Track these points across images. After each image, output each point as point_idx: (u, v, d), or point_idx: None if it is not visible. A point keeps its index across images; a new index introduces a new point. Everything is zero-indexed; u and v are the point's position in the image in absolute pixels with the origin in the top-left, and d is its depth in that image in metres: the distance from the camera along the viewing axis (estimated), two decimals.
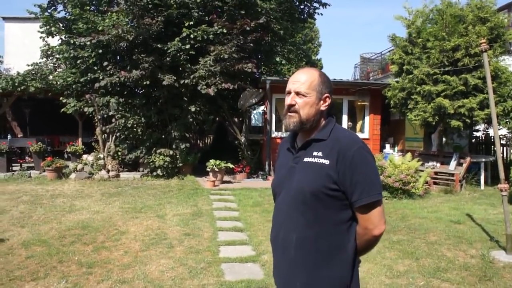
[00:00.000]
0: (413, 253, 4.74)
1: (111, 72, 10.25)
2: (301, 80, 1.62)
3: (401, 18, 9.72)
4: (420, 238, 5.35)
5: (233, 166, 10.74)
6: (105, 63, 10.37)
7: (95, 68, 10.89)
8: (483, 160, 9.62)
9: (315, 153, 1.58)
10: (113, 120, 10.93)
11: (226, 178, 10.54)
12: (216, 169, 9.91)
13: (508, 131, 9.49)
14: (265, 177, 11.10)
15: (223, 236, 5.39)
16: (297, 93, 1.62)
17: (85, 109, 11.23)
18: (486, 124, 9.97)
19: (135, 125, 10.66)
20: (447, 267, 4.31)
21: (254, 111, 14.75)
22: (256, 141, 12.69)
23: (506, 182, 4.90)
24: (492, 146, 11.18)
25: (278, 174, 1.78)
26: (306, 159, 1.60)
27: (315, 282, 1.54)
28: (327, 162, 1.54)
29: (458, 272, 4.16)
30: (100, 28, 9.97)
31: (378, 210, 1.52)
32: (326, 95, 1.65)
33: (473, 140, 11.68)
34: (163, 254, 4.59)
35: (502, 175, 4.85)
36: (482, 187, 9.30)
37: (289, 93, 1.65)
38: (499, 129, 10.10)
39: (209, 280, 3.88)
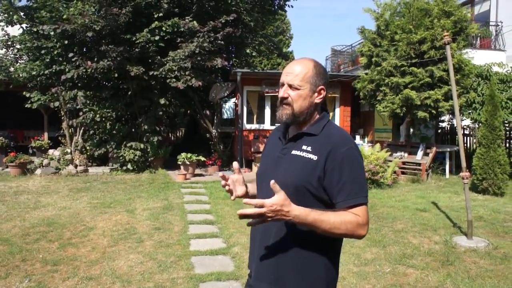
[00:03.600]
0: (380, 241, 4.86)
1: (78, 64, 9.91)
2: (295, 72, 1.56)
3: (370, 10, 9.86)
4: (388, 226, 5.49)
5: (205, 159, 10.68)
6: (71, 54, 10.01)
7: (61, 59, 10.49)
8: (448, 150, 9.95)
9: (304, 147, 1.53)
10: (81, 113, 10.61)
11: (197, 171, 10.46)
12: (188, 162, 9.82)
13: (471, 121, 9.86)
14: None
15: (194, 229, 5.35)
16: (290, 86, 1.56)
17: (51, 103, 10.83)
18: (451, 115, 10.32)
19: (103, 119, 10.39)
20: (413, 253, 4.45)
21: (226, 104, 14.68)
22: (228, 134, 12.64)
23: (467, 170, 5.08)
24: (456, 136, 11.59)
25: (263, 163, 1.72)
26: (294, 152, 1.55)
27: (289, 277, 1.52)
28: (315, 157, 1.49)
29: (423, 258, 4.31)
30: (65, 17, 9.58)
31: (366, 211, 1.47)
32: (320, 87, 1.58)
33: (439, 131, 12.07)
34: (132, 249, 4.51)
35: (463, 164, 5.02)
36: (447, 176, 9.64)
37: (282, 85, 1.59)
38: (463, 120, 10.52)
39: (179, 273, 3.84)
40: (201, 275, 3.79)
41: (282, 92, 1.58)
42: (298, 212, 1.39)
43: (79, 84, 10.47)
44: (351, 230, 1.44)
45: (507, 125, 9.21)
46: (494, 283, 3.69)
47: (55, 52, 10.40)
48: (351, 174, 1.47)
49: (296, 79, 1.55)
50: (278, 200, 1.37)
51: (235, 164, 1.62)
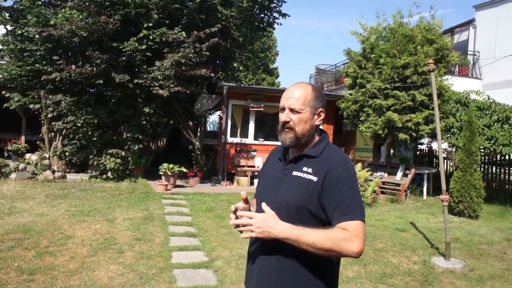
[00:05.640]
0: (361, 259, 4.91)
1: (61, 67, 9.77)
2: (295, 96, 1.62)
3: (356, 34, 10.13)
4: (368, 245, 5.56)
5: (187, 171, 10.60)
6: (56, 57, 9.87)
7: (44, 62, 10.33)
8: (426, 171, 10.20)
9: (305, 169, 1.59)
10: (62, 118, 10.41)
11: (179, 182, 10.37)
12: (169, 173, 9.73)
13: (449, 145, 10.16)
14: (218, 182, 11.05)
15: (176, 242, 5.29)
16: (291, 110, 1.61)
17: (31, 106, 10.60)
18: (430, 138, 10.61)
19: (85, 125, 10.23)
20: (392, 272, 4.52)
21: (210, 116, 14.68)
22: (210, 146, 12.62)
23: (446, 193, 5.23)
24: (434, 159, 11.91)
25: (262, 182, 1.77)
26: (295, 173, 1.60)
27: None
28: (315, 179, 1.54)
29: (402, 278, 4.38)
30: (52, 23, 9.48)
31: (359, 226, 1.49)
32: (320, 109, 1.65)
33: (418, 153, 12.36)
34: (113, 260, 4.42)
35: (443, 186, 5.17)
36: (425, 197, 9.86)
37: (283, 109, 1.64)
38: (441, 144, 10.81)
39: (161, 286, 3.79)
40: None
41: (284, 117, 1.63)
42: (284, 225, 1.48)
43: (62, 88, 10.31)
44: (337, 244, 1.44)
45: (482, 150, 9.52)
46: None
47: (39, 54, 10.24)
48: (347, 192, 1.52)
49: (297, 103, 1.61)
50: (266, 214, 1.52)
51: (243, 194, 1.64)
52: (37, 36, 9.66)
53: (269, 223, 1.49)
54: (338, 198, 1.51)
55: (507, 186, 9.75)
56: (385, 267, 4.69)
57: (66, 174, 10.27)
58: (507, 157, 9.64)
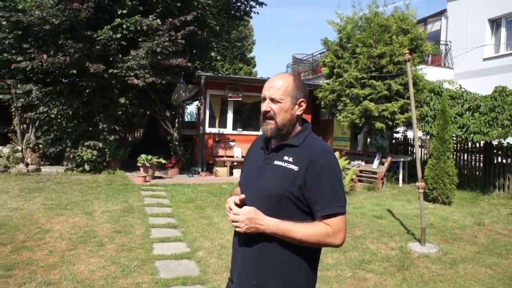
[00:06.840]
0: (340, 247, 5.02)
1: (32, 56, 9.44)
2: (276, 86, 1.63)
3: (333, 23, 10.17)
4: (347, 232, 5.62)
5: (165, 162, 10.51)
6: (26, 45, 9.52)
7: (13, 51, 9.95)
8: (402, 159, 10.45)
9: (286, 158, 1.60)
10: (34, 109, 10.09)
11: (157, 173, 10.27)
12: (148, 164, 9.62)
13: (423, 133, 10.42)
14: (197, 173, 11.01)
15: (157, 233, 5.27)
16: (272, 99, 1.63)
17: (0, 96, 10.22)
18: (405, 127, 10.85)
19: (59, 116, 9.95)
20: (371, 258, 4.65)
21: (188, 107, 14.53)
22: (189, 137, 12.52)
23: (423, 180, 5.39)
24: (409, 147, 12.22)
25: (246, 172, 1.78)
26: (276, 162, 1.62)
27: (271, 283, 1.58)
28: (296, 168, 1.56)
29: (380, 263, 4.52)
30: (21, 7, 9.11)
31: (341, 221, 1.55)
32: (301, 99, 1.66)
33: (393, 141, 12.63)
34: (93, 253, 4.37)
35: (419, 174, 5.32)
36: (400, 184, 10.12)
37: (264, 99, 1.65)
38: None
39: (144, 278, 3.78)
40: (166, 280, 3.75)
41: (264, 106, 1.64)
42: (270, 221, 1.53)
43: (34, 78, 9.98)
44: (322, 240, 1.53)
45: (455, 138, 9.82)
46: (445, 286, 3.95)
47: (7, 43, 9.85)
48: (328, 184, 1.55)
49: (278, 93, 1.62)
50: (251, 208, 1.54)
51: (242, 196, 1.64)
52: (4, 23, 9.29)
53: (257, 220, 1.53)
54: (320, 191, 1.54)
55: (477, 173, 10.13)
56: (364, 253, 4.82)
57: (41, 167, 10.02)
58: (477, 145, 9.98)
